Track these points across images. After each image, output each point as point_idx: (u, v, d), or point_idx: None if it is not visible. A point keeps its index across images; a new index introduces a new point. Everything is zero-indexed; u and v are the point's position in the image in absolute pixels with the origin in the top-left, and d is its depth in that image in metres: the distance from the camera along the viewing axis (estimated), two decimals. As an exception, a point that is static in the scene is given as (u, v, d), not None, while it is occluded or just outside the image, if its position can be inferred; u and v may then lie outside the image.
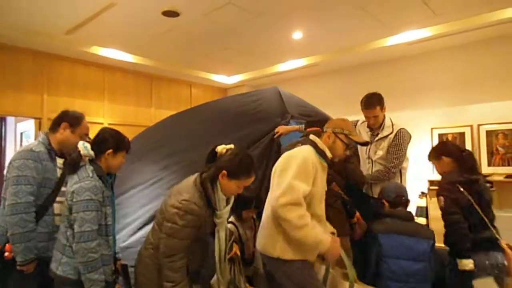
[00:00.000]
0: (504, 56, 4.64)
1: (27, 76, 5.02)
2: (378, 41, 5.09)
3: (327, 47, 5.43)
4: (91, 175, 1.86)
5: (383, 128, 2.94)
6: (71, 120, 2.23)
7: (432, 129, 5.09)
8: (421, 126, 5.12)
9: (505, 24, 4.28)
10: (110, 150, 1.94)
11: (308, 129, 2.66)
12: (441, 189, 2.34)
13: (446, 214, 2.25)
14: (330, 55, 5.65)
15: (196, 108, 4.14)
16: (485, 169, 4.60)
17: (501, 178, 4.34)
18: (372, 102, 2.91)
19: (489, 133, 4.63)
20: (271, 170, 2.93)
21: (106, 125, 5.79)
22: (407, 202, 2.51)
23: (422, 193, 4.60)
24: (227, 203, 1.95)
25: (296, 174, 1.89)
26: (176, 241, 1.78)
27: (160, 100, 6.66)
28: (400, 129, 2.90)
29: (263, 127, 3.15)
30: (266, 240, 2.04)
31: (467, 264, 2.13)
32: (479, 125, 4.71)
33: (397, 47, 5.08)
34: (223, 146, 1.93)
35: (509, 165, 4.46)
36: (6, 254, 1.96)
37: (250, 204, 2.49)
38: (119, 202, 2.66)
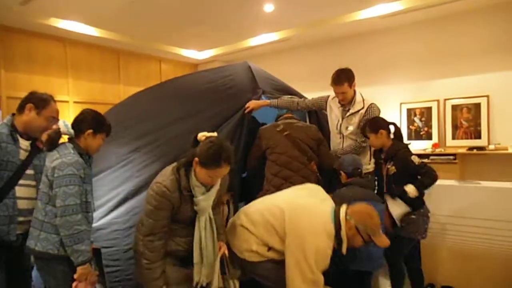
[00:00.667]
0: (470, 31, 4.75)
1: (-19, 51, 4.67)
2: (350, 15, 5.07)
3: (299, 20, 5.36)
4: (72, 152, 1.88)
5: (354, 103, 2.97)
6: (37, 101, 2.09)
7: (401, 104, 5.21)
8: (391, 101, 5.23)
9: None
10: (90, 131, 1.95)
11: None
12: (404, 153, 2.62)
13: (419, 167, 2.59)
14: (302, 29, 5.58)
15: (163, 84, 3.99)
16: (449, 142, 4.80)
17: (463, 150, 4.54)
18: (340, 79, 2.92)
19: (454, 108, 4.79)
20: (243, 146, 2.95)
21: (71, 103, 5.54)
22: (361, 173, 2.73)
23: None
24: (208, 190, 1.95)
25: (315, 265, 1.89)
26: (151, 221, 1.86)
27: (129, 76, 6.41)
28: (371, 104, 2.94)
29: (234, 104, 3.10)
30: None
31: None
32: (445, 100, 4.85)
33: (369, 21, 5.08)
34: (203, 133, 1.94)
35: (471, 138, 4.66)
36: None
37: None
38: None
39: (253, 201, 2.42)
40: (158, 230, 1.87)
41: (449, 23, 4.89)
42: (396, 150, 2.59)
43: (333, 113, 3.09)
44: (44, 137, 2.07)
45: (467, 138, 4.69)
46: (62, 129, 1.95)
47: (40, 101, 2.09)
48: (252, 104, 3.04)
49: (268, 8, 4.76)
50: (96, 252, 2.14)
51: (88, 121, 1.97)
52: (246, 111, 3.02)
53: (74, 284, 1.82)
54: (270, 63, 6.59)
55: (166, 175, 1.90)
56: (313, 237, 1.92)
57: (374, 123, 2.72)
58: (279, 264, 2.00)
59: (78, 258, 1.80)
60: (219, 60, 7.20)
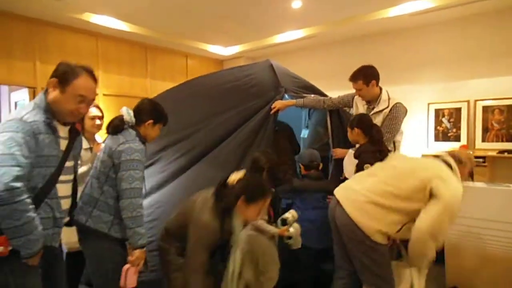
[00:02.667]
0: (504, 31, 4.56)
1: (19, 43, 4.89)
2: (379, 12, 4.97)
3: (326, 17, 5.31)
4: (138, 139, 1.95)
5: (379, 102, 2.93)
6: (61, 75, 1.69)
7: (429, 104, 5.09)
8: (418, 101, 5.11)
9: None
10: (151, 121, 2.02)
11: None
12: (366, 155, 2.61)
13: None
14: (329, 26, 5.53)
15: (187, 83, 4.05)
16: (478, 144, 4.64)
17: (494, 153, 4.39)
18: (355, 76, 2.89)
19: (485, 109, 4.63)
20: (265, 146, 2.98)
21: (100, 96, 5.72)
22: (318, 165, 3.03)
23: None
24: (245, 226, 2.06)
25: None
26: (196, 256, 1.93)
27: (156, 71, 6.55)
28: (396, 103, 2.89)
29: (257, 102, 3.13)
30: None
31: None
32: (476, 101, 4.70)
33: (398, 19, 4.97)
34: (233, 177, 2.02)
35: (502, 141, 4.50)
36: (1, 249, 1.50)
37: None
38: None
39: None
40: (203, 265, 1.93)
41: (481, 21, 4.72)
42: (360, 152, 2.64)
43: (359, 111, 3.07)
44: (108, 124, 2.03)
45: (498, 141, 4.52)
46: (125, 116, 1.99)
47: (63, 75, 1.69)
48: (278, 104, 3.06)
49: (296, 4, 4.75)
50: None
51: (149, 112, 2.04)
52: (272, 111, 3.04)
53: (126, 267, 1.87)
54: (295, 61, 6.58)
55: (210, 215, 1.93)
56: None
57: (353, 119, 2.83)
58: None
59: (138, 241, 1.85)
60: (245, 57, 7.24)
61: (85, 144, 2.60)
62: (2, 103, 6.32)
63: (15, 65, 4.87)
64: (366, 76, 2.88)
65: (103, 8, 4.97)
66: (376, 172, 2.26)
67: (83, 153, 2.56)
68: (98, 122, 2.67)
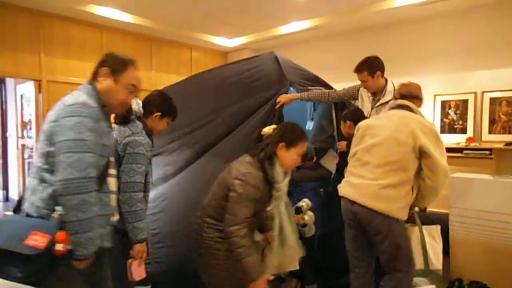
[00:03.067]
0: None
1: (24, 35, 4.91)
2: (385, 2, 4.91)
3: (331, 8, 5.25)
4: (143, 132, 1.93)
5: (384, 93, 2.91)
6: (114, 64, 1.65)
7: (435, 95, 5.04)
8: (424, 92, 4.97)
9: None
10: (158, 114, 2.01)
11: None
12: None
13: None
14: (334, 17, 5.47)
15: (193, 78, 4.05)
16: (485, 136, 4.60)
17: (500, 145, 4.35)
18: (360, 67, 2.86)
19: (492, 101, 4.58)
20: None
21: (106, 88, 5.74)
22: (312, 158, 3.15)
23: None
24: (285, 176, 2.05)
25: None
26: (240, 209, 1.86)
27: (160, 63, 6.54)
28: None
29: (262, 96, 3.12)
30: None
31: None
32: (483, 92, 4.65)
33: (404, 9, 4.91)
34: (268, 127, 2.06)
35: (509, 133, 4.45)
36: (60, 247, 1.36)
37: None
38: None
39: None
40: (245, 218, 1.87)
41: (489, 11, 4.64)
42: (349, 144, 2.67)
43: (364, 103, 3.05)
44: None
45: (505, 133, 4.48)
46: (134, 106, 1.95)
47: (117, 64, 1.66)
48: (283, 98, 3.04)
49: (300, -5, 4.70)
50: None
51: (157, 104, 2.02)
52: (277, 106, 3.02)
53: (129, 261, 1.86)
54: (300, 52, 6.54)
55: (249, 169, 1.91)
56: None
57: (346, 113, 2.91)
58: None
59: (137, 236, 1.82)
60: (249, 48, 7.20)
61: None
62: (8, 96, 6.37)
63: (20, 58, 4.89)
64: (371, 67, 2.85)
65: (108, 0, 4.95)
66: (364, 158, 2.21)
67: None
68: None
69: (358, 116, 2.77)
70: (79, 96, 1.51)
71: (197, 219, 2.06)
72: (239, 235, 1.83)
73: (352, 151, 2.36)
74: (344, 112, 2.94)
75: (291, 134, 2.00)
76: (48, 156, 1.43)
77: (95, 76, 1.63)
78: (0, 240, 1.34)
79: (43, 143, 1.45)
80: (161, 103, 2.03)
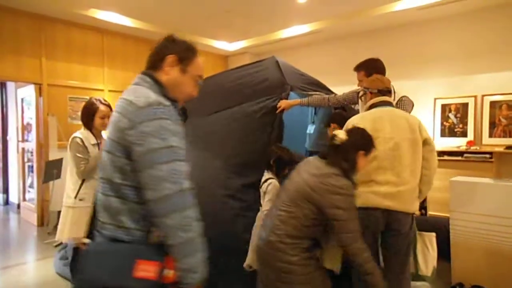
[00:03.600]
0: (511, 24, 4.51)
1: (26, 39, 4.93)
2: (386, 6, 4.93)
3: (332, 12, 5.28)
4: None
5: (384, 96, 2.91)
6: (182, 52, 1.36)
7: (435, 99, 5.05)
8: (425, 96, 5.08)
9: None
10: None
11: None
12: None
13: None
14: (335, 21, 5.49)
15: None
16: (485, 140, 4.61)
17: (501, 149, 4.35)
18: (359, 66, 2.87)
19: (492, 104, 4.59)
20: (272, 138, 3.00)
21: (106, 92, 5.75)
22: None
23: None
24: None
25: None
26: (353, 223, 1.80)
27: (161, 66, 6.55)
28: (402, 97, 2.86)
29: (262, 101, 3.15)
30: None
31: None
32: (483, 96, 4.65)
33: (406, 13, 4.93)
34: (341, 132, 1.94)
35: (510, 136, 4.45)
36: (170, 273, 1.13)
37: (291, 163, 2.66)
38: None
39: None
40: (359, 232, 1.81)
41: (489, 15, 4.66)
42: None
43: (364, 106, 3.05)
44: None
45: (505, 137, 4.48)
46: None
47: (185, 51, 1.37)
48: (283, 104, 3.06)
49: (301, -1, 4.72)
50: None
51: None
52: (278, 111, 3.05)
53: None
54: (300, 56, 6.56)
55: (338, 179, 1.82)
56: None
57: (330, 116, 3.07)
58: None
59: None
60: (250, 52, 7.23)
61: (93, 139, 2.63)
62: (9, 100, 6.39)
63: (21, 61, 4.90)
64: (368, 68, 2.85)
65: (109, 4, 4.98)
66: (385, 164, 2.14)
67: (91, 148, 2.59)
68: (107, 121, 2.69)
69: (338, 117, 2.90)
70: (147, 93, 1.21)
71: (264, 241, 1.90)
72: (364, 248, 1.79)
73: None
74: (329, 117, 3.09)
75: (367, 142, 1.97)
76: (128, 171, 1.17)
77: (155, 65, 1.33)
78: (102, 276, 1.12)
79: (116, 154, 1.18)
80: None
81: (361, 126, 2.13)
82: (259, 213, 2.49)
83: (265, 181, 2.52)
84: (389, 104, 2.28)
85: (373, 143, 1.98)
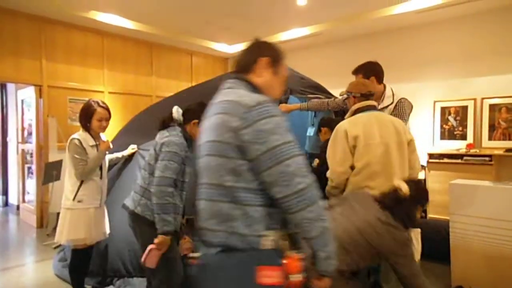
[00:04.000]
0: (510, 28, 4.52)
1: (26, 41, 4.94)
2: (385, 9, 4.95)
3: (332, 14, 5.29)
4: (180, 134, 2.13)
5: (383, 98, 2.90)
6: (275, 53, 1.36)
7: (435, 102, 5.05)
8: (424, 98, 5.08)
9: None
10: (196, 120, 2.14)
11: None
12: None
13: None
14: (334, 24, 5.51)
15: (193, 88, 4.13)
16: (485, 143, 4.61)
17: (500, 152, 4.35)
18: (357, 68, 2.88)
19: (492, 107, 4.59)
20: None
21: (106, 93, 5.76)
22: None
23: (422, 166, 4.64)
24: None
25: None
26: (415, 265, 1.94)
27: (161, 68, 6.57)
28: (401, 98, 2.86)
29: None
30: None
31: None
32: (482, 99, 4.66)
33: (405, 16, 4.94)
34: (404, 188, 1.93)
35: (509, 139, 4.45)
36: (299, 277, 1.14)
37: None
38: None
39: None
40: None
41: (489, 18, 4.67)
42: (322, 147, 2.83)
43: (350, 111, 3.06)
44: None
45: (505, 139, 4.48)
46: (174, 114, 2.18)
47: (277, 53, 1.37)
48: (283, 108, 3.07)
49: (301, 1, 4.73)
50: (190, 220, 2.36)
51: (196, 112, 2.13)
52: None
53: (150, 247, 1.98)
54: (300, 58, 6.56)
55: (401, 232, 1.92)
56: None
57: (321, 120, 3.18)
58: None
59: (163, 227, 1.97)
60: (249, 54, 7.23)
61: (91, 141, 2.63)
62: (9, 101, 6.39)
63: (22, 63, 4.91)
64: (366, 70, 2.85)
65: (109, 6, 4.99)
66: (376, 170, 2.18)
67: (89, 150, 2.59)
68: (104, 124, 2.69)
69: (328, 120, 3.03)
70: (248, 94, 1.21)
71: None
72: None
73: (359, 163, 2.20)
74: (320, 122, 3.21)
75: (426, 196, 2.04)
76: (244, 171, 1.14)
77: (246, 68, 1.32)
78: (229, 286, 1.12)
79: (228, 156, 1.15)
80: (198, 111, 2.12)
81: (354, 132, 2.17)
82: None
83: None
84: (374, 108, 2.33)
85: (428, 197, 2.05)
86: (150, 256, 1.97)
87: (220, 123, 1.17)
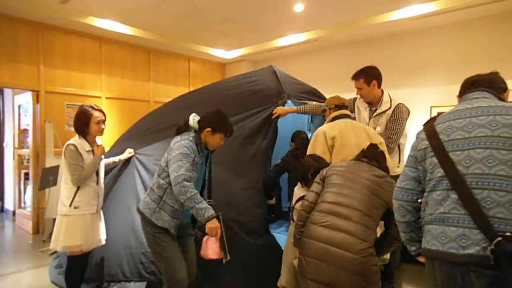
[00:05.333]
0: (506, 35, 4.56)
1: (23, 47, 4.94)
2: (381, 15, 4.99)
3: (329, 21, 5.33)
4: (190, 139, 2.18)
5: (381, 103, 2.93)
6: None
7: (431, 107, 5.08)
8: (421, 104, 5.11)
9: (508, 1, 4.18)
10: (209, 129, 2.20)
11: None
12: None
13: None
14: (331, 30, 5.54)
15: (194, 92, 4.15)
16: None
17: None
18: (357, 74, 2.93)
19: (488, 112, 4.61)
20: (266, 144, 3.03)
21: (103, 99, 5.76)
22: None
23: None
24: None
25: None
26: None
27: (158, 74, 6.58)
28: (398, 104, 2.89)
29: (259, 110, 3.19)
30: None
31: None
32: (478, 104, 4.68)
33: (401, 22, 4.98)
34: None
35: (506, 144, 4.47)
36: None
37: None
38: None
39: None
40: None
41: (484, 24, 4.72)
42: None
43: (361, 114, 3.07)
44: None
45: (501, 144, 4.50)
46: (190, 121, 2.23)
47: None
48: (279, 110, 3.09)
49: (298, 8, 4.77)
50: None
51: (209, 121, 2.22)
52: (273, 117, 3.07)
53: (204, 238, 2.06)
54: (297, 64, 6.60)
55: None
56: None
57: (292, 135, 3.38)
58: None
59: (204, 215, 1.98)
60: (247, 60, 7.27)
61: (87, 146, 2.62)
62: (6, 106, 6.38)
63: (19, 68, 4.91)
64: (368, 75, 2.89)
65: (107, 12, 5.01)
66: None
67: (85, 155, 2.58)
68: (102, 126, 2.70)
69: (302, 140, 3.21)
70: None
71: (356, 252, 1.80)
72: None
73: (336, 160, 2.43)
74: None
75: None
76: None
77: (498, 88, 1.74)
78: None
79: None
80: (213, 119, 2.23)
81: (332, 133, 2.49)
82: (290, 229, 2.46)
83: (303, 197, 2.43)
84: (348, 116, 2.65)
85: None
86: (208, 247, 2.03)
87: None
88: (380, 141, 2.54)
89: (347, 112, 2.68)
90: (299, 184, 2.52)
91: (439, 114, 1.65)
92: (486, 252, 1.20)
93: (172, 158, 2.08)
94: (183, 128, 2.24)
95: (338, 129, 2.50)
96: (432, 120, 1.59)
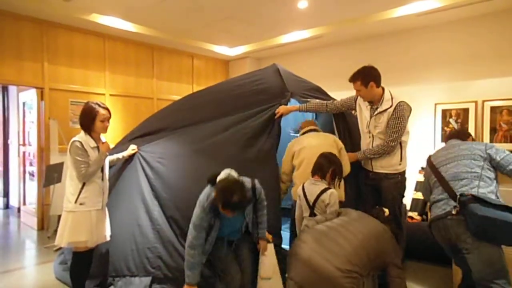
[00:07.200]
0: (511, 30, 4.52)
1: (27, 44, 4.95)
2: (386, 12, 4.95)
3: (332, 17, 5.30)
4: (211, 196, 2.24)
5: (382, 102, 2.91)
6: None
7: (436, 104, 5.05)
8: (425, 101, 5.08)
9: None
10: (220, 205, 2.15)
11: None
12: None
13: None
14: (335, 26, 5.52)
15: (200, 92, 4.16)
16: (486, 145, 4.59)
17: (502, 154, 4.34)
18: (354, 76, 2.92)
19: (493, 109, 4.59)
20: (268, 145, 3.03)
21: (107, 96, 5.77)
22: None
23: (422, 168, 4.63)
24: None
25: None
26: None
27: (162, 71, 6.59)
28: (400, 102, 2.87)
29: (262, 108, 3.19)
30: None
31: None
32: (483, 101, 4.66)
33: (405, 19, 4.95)
34: None
35: (511, 141, 4.45)
36: None
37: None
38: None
39: None
40: None
41: (489, 21, 4.68)
42: None
43: (362, 113, 3.06)
44: None
45: (506, 142, 4.48)
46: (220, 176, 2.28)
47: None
48: (282, 109, 3.09)
49: (302, 4, 4.74)
50: None
51: (217, 195, 2.21)
52: (276, 116, 3.07)
53: None
54: (301, 61, 6.58)
55: None
56: None
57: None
58: None
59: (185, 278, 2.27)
60: (250, 57, 7.25)
61: (92, 143, 2.63)
62: (11, 103, 6.41)
63: (23, 66, 4.93)
64: (364, 77, 2.87)
65: (111, 9, 5.01)
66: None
67: (90, 152, 2.59)
68: (107, 124, 2.71)
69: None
70: None
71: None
72: None
73: (297, 161, 2.93)
74: None
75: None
76: None
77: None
78: None
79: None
80: (218, 196, 2.14)
81: (297, 146, 2.97)
82: (305, 223, 2.48)
83: (324, 190, 2.48)
84: (314, 130, 3.13)
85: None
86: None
87: None
88: (341, 146, 2.97)
89: (314, 127, 3.18)
90: (309, 180, 2.55)
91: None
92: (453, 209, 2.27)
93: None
94: (214, 180, 2.27)
95: (305, 138, 3.03)
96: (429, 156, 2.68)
